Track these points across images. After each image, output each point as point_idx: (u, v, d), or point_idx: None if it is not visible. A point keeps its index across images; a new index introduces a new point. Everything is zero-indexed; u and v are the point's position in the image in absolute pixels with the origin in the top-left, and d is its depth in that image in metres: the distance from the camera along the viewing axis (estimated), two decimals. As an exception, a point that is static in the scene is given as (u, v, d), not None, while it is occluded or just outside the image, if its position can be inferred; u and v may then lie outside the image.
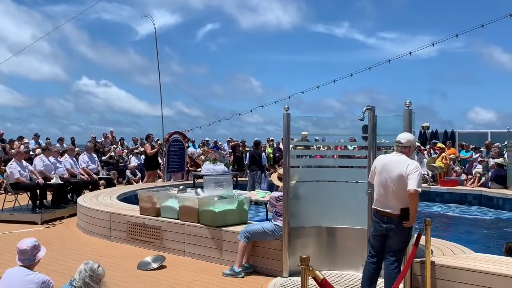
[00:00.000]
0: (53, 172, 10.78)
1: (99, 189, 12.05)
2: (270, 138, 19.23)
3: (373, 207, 4.74)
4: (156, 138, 15.79)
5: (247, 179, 14.79)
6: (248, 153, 15.84)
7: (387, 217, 4.54)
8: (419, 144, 15.01)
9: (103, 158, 16.96)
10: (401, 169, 4.45)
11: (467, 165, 15.87)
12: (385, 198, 4.57)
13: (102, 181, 13.20)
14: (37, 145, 17.21)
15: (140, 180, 15.97)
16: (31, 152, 15.54)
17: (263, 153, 14.99)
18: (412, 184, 4.33)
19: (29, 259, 3.76)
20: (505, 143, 13.85)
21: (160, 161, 15.69)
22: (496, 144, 15.21)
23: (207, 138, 20.87)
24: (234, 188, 7.94)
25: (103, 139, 19.72)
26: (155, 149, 14.58)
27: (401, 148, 4.64)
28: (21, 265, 3.74)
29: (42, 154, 11.36)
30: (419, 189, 4.34)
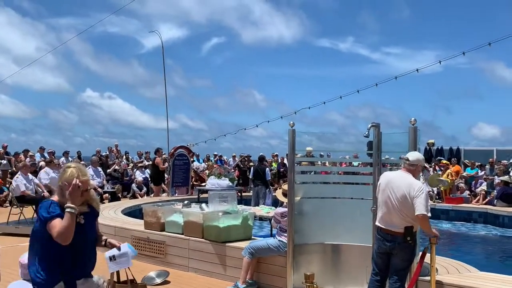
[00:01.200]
0: (58, 185, 10.81)
1: (104, 203, 12.06)
2: (275, 154, 19.28)
3: (376, 224, 4.72)
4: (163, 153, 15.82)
5: (251, 193, 14.77)
6: (252, 168, 15.85)
7: (391, 235, 4.52)
8: (427, 166, 14.93)
9: (108, 170, 17.01)
10: (405, 189, 4.43)
11: (473, 182, 15.80)
12: (388, 216, 4.56)
13: (107, 194, 13.24)
14: (42, 158, 17.29)
15: (145, 195, 15.97)
16: (36, 165, 15.59)
17: (267, 168, 14.97)
18: (420, 209, 4.31)
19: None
20: (511, 160, 13.79)
21: (166, 175, 15.70)
22: (503, 161, 15.14)
23: (215, 153, 20.95)
24: (238, 203, 7.93)
25: (107, 152, 19.77)
26: (167, 164, 14.56)
27: (408, 165, 4.62)
28: (24, 279, 3.74)
29: (46, 167, 11.43)
30: (428, 213, 4.34)
